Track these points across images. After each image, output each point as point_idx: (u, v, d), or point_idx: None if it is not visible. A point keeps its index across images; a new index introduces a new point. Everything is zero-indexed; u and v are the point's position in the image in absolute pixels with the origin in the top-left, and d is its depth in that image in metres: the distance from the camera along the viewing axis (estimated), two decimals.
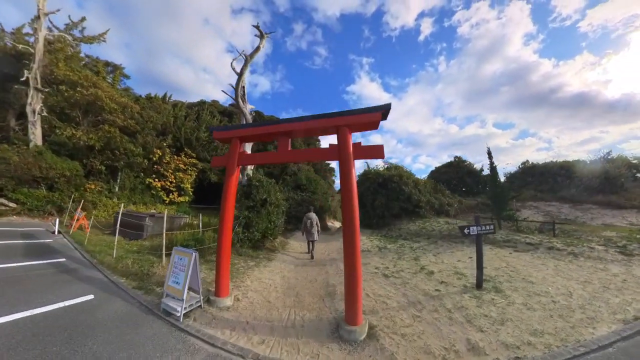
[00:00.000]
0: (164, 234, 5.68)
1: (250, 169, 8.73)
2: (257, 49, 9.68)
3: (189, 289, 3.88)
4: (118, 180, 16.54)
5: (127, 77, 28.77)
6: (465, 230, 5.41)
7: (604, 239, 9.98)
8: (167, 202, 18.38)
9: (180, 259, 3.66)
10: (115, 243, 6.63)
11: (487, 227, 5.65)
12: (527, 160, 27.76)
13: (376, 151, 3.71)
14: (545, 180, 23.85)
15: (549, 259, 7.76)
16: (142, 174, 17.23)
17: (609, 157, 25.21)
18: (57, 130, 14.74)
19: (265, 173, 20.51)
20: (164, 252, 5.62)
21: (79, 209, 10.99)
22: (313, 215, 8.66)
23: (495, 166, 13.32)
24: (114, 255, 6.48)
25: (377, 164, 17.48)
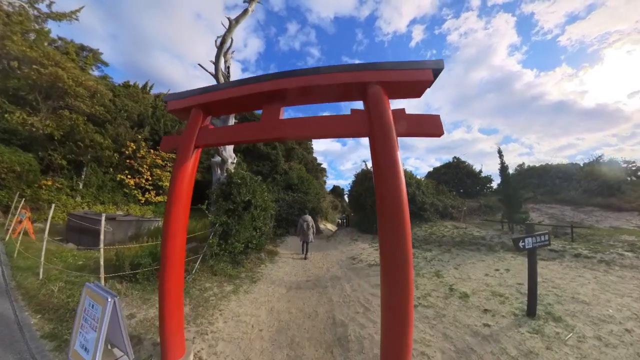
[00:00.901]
0: (102, 249, 4.01)
1: (230, 162, 7.08)
2: (245, 12, 7.96)
3: (113, 347, 2.30)
4: (83, 177, 14.42)
5: (106, 64, 26.24)
6: (521, 244, 4.09)
7: (627, 244, 9.28)
8: (142, 202, 16.37)
9: (92, 306, 2.08)
10: (42, 258, 4.86)
11: (542, 239, 4.35)
12: (523, 163, 27.36)
13: (430, 123, 2.26)
14: (543, 182, 23.40)
15: (582, 269, 6.99)
16: (112, 170, 15.16)
17: (600, 160, 25.08)
18: (7, 116, 12.53)
19: (253, 172, 18.86)
20: (102, 275, 3.95)
21: (22, 210, 9.00)
22: (309, 218, 8.98)
23: (507, 166, 12.26)
24: (41, 276, 4.74)
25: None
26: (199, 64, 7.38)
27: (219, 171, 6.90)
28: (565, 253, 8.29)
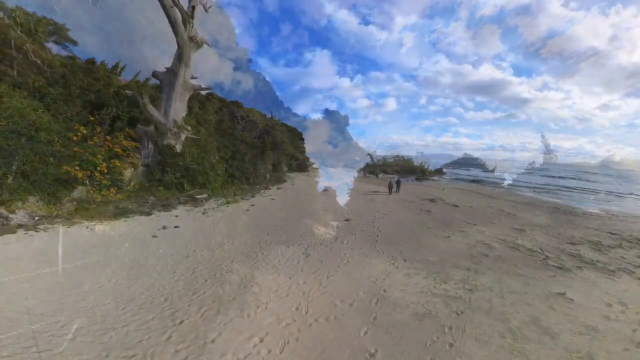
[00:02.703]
0: None
1: (175, 132, 4.05)
2: None
3: None
4: (13, 167, 11.17)
5: (74, 42, 22.54)
6: None
7: None
8: (98, 200, 13.15)
9: None
10: None
11: None
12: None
13: None
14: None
15: None
16: (52, 159, 11.93)
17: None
18: None
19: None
20: None
21: None
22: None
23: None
24: None
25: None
26: None
27: (150, 146, 4.00)
28: None
